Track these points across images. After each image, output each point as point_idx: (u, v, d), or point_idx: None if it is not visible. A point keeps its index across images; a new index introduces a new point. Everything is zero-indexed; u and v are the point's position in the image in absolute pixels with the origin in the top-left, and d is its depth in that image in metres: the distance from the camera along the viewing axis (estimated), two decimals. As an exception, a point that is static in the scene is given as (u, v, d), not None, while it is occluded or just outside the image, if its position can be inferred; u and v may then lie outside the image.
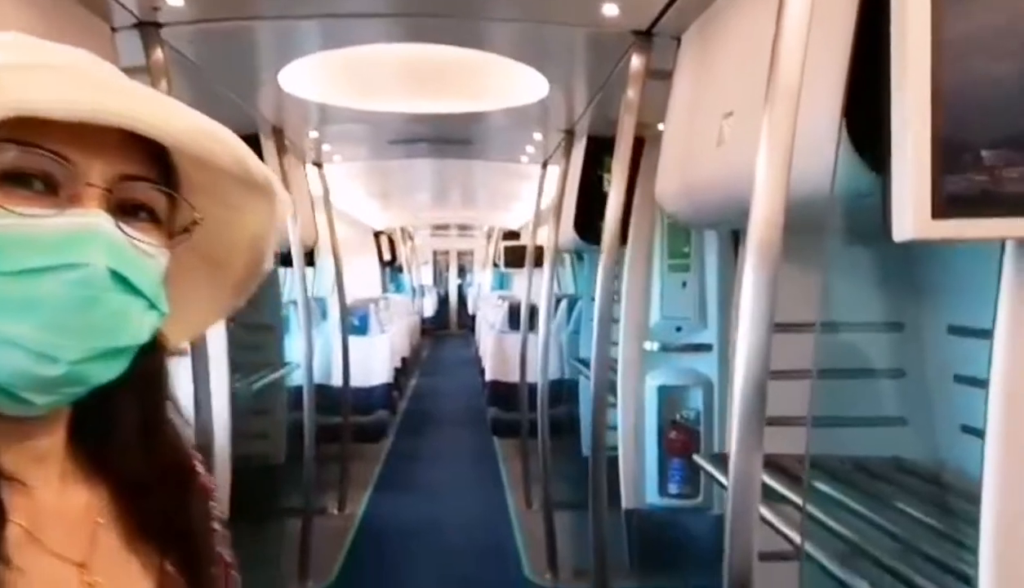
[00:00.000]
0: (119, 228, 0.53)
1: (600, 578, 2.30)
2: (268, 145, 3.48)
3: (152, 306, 0.55)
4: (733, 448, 1.09)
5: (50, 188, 0.51)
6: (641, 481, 3.37)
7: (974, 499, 0.99)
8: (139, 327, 0.55)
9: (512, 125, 3.71)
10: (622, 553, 3.43)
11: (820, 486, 1.60)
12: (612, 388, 3.41)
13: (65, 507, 0.57)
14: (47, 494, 0.56)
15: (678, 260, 3.38)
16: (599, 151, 3.47)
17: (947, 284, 1.75)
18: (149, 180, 0.55)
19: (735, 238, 2.59)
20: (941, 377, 1.74)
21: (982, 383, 0.98)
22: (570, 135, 3.67)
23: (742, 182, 1.26)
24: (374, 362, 5.98)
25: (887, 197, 1.00)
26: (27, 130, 0.50)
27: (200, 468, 0.67)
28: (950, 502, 1.52)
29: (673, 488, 3.35)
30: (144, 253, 0.54)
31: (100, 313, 0.51)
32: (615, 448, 3.35)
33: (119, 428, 0.59)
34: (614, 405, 3.40)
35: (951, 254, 1.67)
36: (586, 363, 3.43)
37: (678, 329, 3.38)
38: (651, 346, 3.36)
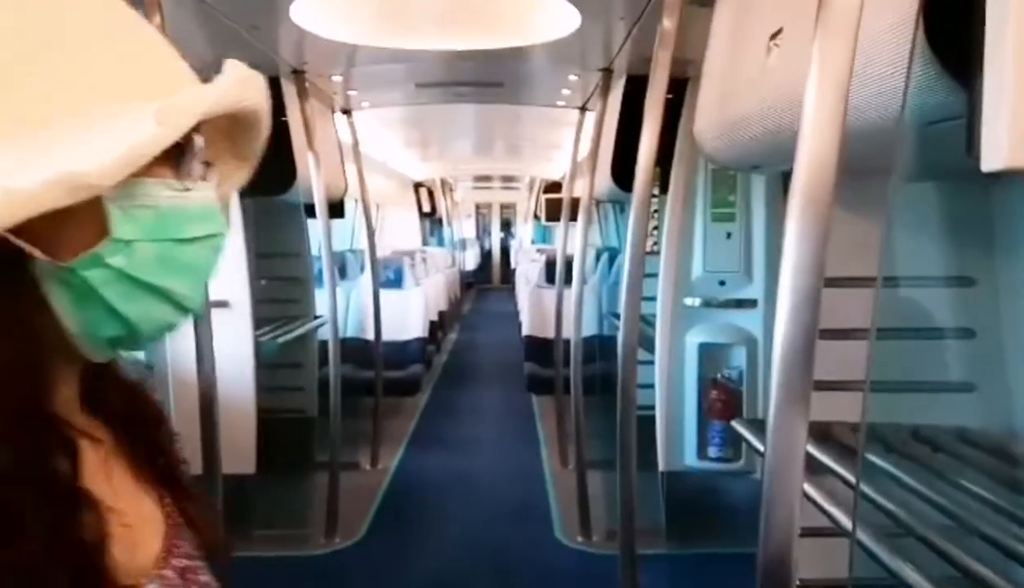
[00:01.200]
0: None
1: (627, 541, 2.15)
2: (289, 89, 3.34)
3: None
4: (772, 415, 0.92)
5: (176, 160, 0.54)
6: (679, 442, 3.23)
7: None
8: None
9: (546, 64, 3.49)
10: (658, 516, 3.30)
11: (870, 457, 1.43)
12: (650, 345, 3.25)
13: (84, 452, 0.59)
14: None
15: (722, 209, 3.17)
16: (639, 93, 3.22)
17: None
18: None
19: (785, 184, 2.38)
20: (1018, 339, 1.55)
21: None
22: (608, 75, 3.44)
23: (790, 113, 1.07)
24: (409, 316, 5.86)
25: (974, 119, 0.80)
26: None
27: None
28: (1021, 478, 1.34)
29: (713, 451, 3.20)
30: None
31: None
32: (653, 407, 3.22)
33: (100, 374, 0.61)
34: (652, 363, 3.24)
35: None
36: (624, 319, 3.27)
37: (721, 283, 3.20)
38: (692, 301, 3.20)
